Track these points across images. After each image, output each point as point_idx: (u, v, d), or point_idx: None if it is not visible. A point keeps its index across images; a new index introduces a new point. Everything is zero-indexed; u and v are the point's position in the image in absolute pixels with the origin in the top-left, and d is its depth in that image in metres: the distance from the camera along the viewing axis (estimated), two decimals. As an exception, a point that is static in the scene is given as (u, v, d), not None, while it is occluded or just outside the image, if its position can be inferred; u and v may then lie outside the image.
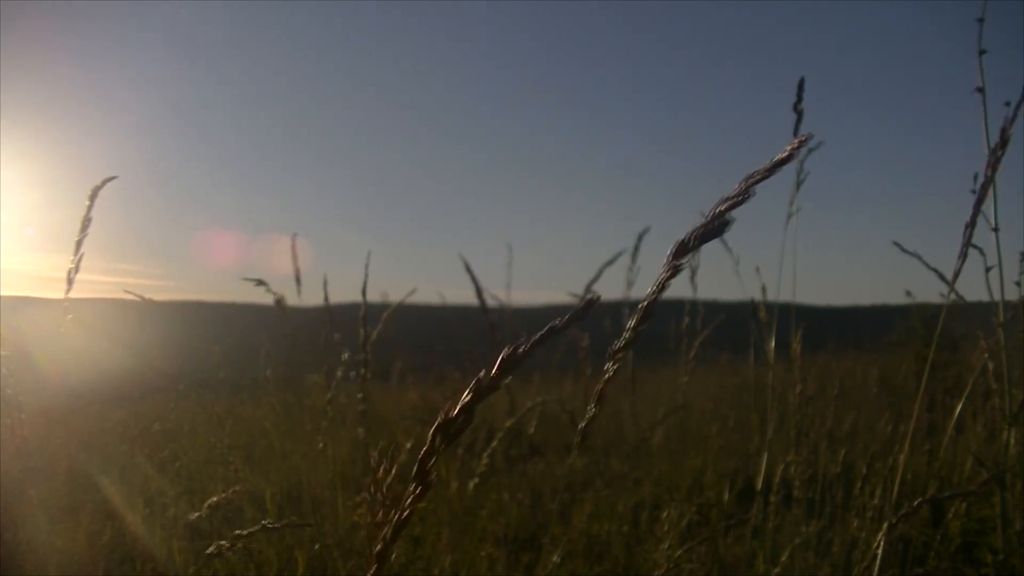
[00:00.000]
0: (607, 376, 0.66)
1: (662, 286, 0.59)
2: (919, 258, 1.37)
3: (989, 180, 1.17)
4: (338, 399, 2.08)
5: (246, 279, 1.57)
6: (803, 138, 0.57)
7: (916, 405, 1.40)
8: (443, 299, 3.80)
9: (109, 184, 1.63)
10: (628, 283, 2.57)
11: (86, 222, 1.60)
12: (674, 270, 0.58)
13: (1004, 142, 1.16)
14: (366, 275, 2.14)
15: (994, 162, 1.17)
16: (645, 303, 0.62)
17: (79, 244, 1.60)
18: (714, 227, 0.55)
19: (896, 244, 1.46)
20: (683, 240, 0.57)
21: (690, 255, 0.57)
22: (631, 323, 0.63)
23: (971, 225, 1.17)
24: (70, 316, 1.62)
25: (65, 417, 2.34)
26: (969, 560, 2.06)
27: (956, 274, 1.23)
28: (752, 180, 0.55)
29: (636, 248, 2.50)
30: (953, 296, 1.35)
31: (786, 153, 0.55)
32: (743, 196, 0.55)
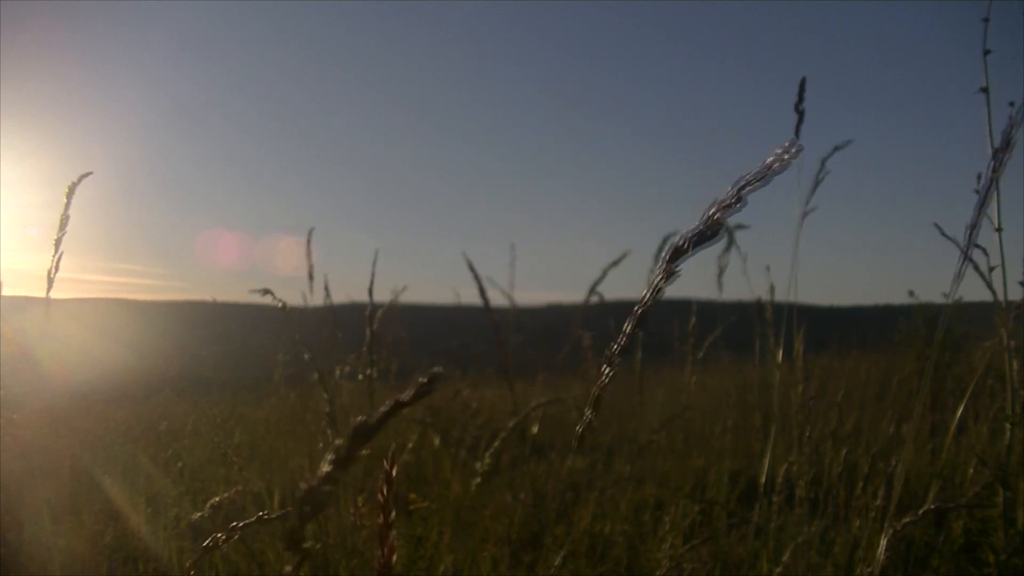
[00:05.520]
0: (603, 381, 0.65)
1: (657, 290, 0.59)
2: (956, 243, 1.35)
3: (992, 182, 1.16)
4: (341, 399, 2.08)
5: (253, 291, 1.58)
6: (793, 144, 0.55)
7: (919, 405, 1.40)
8: (453, 298, 3.78)
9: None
10: (649, 284, 2.53)
11: (64, 220, 1.62)
12: (669, 274, 0.58)
13: (1008, 145, 1.16)
14: (373, 274, 2.15)
15: (997, 164, 1.17)
16: (640, 308, 0.61)
17: (58, 243, 1.61)
18: (709, 232, 0.55)
19: (936, 226, 1.43)
20: (678, 245, 0.58)
21: (686, 258, 0.57)
22: (626, 327, 0.63)
23: (974, 226, 1.17)
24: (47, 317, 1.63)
25: (68, 417, 2.34)
26: (972, 560, 2.06)
27: (960, 275, 1.23)
28: (745, 188, 0.55)
29: (661, 249, 2.46)
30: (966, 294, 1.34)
31: (779, 161, 0.55)
32: (737, 203, 0.54)
